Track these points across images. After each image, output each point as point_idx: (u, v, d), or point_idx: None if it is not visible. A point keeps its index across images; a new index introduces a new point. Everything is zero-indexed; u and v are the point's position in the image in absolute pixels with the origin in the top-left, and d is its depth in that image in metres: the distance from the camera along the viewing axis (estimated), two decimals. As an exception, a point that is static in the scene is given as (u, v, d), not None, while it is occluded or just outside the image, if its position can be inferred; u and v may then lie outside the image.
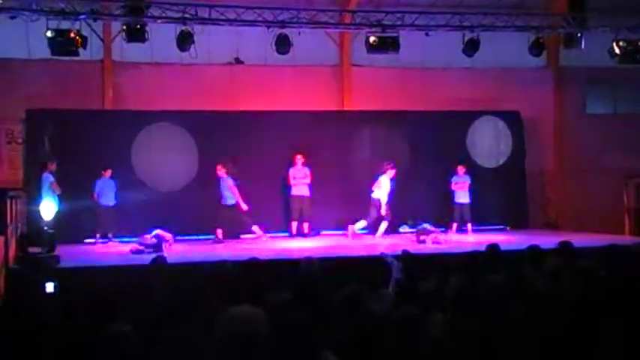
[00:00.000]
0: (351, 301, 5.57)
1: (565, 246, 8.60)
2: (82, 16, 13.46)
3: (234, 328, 3.14)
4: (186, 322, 4.48)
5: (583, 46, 15.71)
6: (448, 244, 13.61)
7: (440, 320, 4.85)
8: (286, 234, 15.30)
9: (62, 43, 13.41)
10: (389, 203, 14.27)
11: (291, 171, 15.34)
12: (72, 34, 13.38)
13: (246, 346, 3.11)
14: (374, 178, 14.51)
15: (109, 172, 14.26)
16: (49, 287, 7.66)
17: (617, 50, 15.49)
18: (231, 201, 14.22)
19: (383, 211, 14.20)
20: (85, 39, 13.71)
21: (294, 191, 15.31)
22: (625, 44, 15.46)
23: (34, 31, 14.04)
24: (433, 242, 13.51)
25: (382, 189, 14.40)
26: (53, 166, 12.29)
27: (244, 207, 14.10)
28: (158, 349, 3.80)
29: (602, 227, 14.62)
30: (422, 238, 13.74)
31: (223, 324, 3.17)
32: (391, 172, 14.44)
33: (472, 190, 15.49)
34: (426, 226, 13.97)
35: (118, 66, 15.97)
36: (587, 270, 6.56)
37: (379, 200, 14.28)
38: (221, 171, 14.31)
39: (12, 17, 13.14)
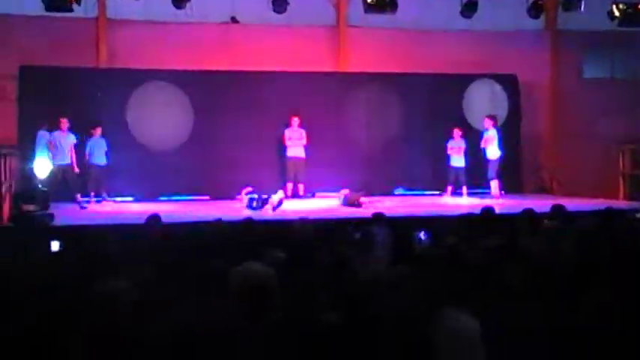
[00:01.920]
0: (343, 263, 5.61)
1: (558, 209, 8.66)
2: (76, -28, 13.29)
3: (250, 282, 3.28)
4: (185, 278, 4.51)
5: (582, 8, 15.60)
6: (444, 207, 13.63)
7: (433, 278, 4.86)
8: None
9: (56, -1, 13.27)
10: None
11: (287, 132, 15.29)
12: (66, -10, 13.22)
13: (261, 297, 3.24)
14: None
15: (98, 131, 14.13)
16: (55, 246, 7.65)
17: (616, 12, 15.39)
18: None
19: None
20: (79, -5, 13.55)
21: (290, 152, 15.28)
22: (624, 6, 15.36)
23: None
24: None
25: (494, 145, 14.50)
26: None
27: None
28: (158, 305, 3.84)
29: (597, 192, 14.66)
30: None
31: (239, 278, 3.31)
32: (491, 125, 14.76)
33: (467, 154, 15.46)
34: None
35: (113, 23, 15.78)
36: (583, 232, 6.59)
37: (496, 159, 14.56)
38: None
39: (5, -28, 12.96)
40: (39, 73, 14.51)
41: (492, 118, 15.29)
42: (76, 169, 13.63)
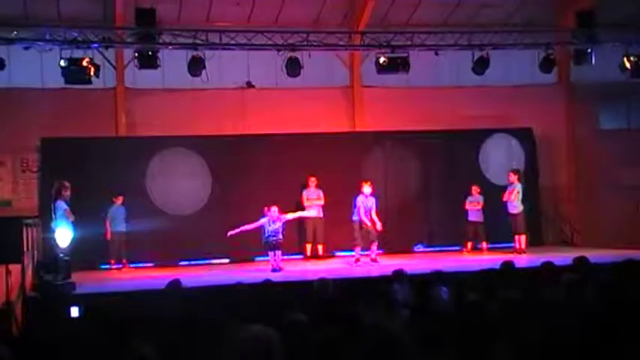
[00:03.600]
0: (363, 321, 5.58)
1: (581, 262, 8.55)
2: (95, 45, 13.62)
3: (248, 347, 3.19)
4: (202, 343, 4.50)
5: (594, 61, 15.71)
6: (464, 262, 13.56)
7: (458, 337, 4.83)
8: (300, 256, 15.29)
9: (76, 72, 13.56)
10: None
11: (305, 193, 15.37)
12: (85, 63, 13.54)
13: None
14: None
15: (120, 199, 14.41)
16: (74, 312, 7.69)
17: (627, 65, 15.48)
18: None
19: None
20: (97, 67, 13.86)
21: (308, 213, 15.32)
22: (635, 59, 15.45)
23: (47, 60, 14.20)
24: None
25: (518, 200, 14.65)
26: (67, 193, 12.39)
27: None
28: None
29: (619, 243, 14.50)
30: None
31: (237, 343, 3.23)
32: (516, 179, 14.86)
33: (486, 209, 15.39)
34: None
35: (131, 93, 16.10)
36: (604, 284, 6.51)
37: (520, 212, 14.66)
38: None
39: (26, 48, 13.31)
40: (59, 145, 14.76)
41: (517, 172, 15.28)
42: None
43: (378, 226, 13.75)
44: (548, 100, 17.89)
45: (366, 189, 13.89)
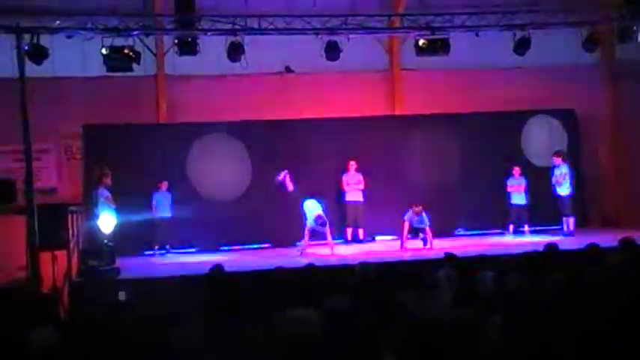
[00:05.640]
0: (406, 306, 5.56)
1: (627, 243, 8.41)
2: (135, 33, 13.72)
3: (291, 330, 3.21)
4: (245, 327, 4.54)
5: (639, 39, 15.35)
6: (507, 245, 13.46)
7: (499, 323, 4.80)
8: (342, 240, 15.30)
9: (117, 60, 13.66)
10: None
11: (345, 177, 15.37)
12: (126, 51, 13.64)
13: (302, 346, 3.17)
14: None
15: (165, 185, 14.58)
16: (122, 296, 7.85)
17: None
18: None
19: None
20: (138, 55, 13.95)
21: (349, 197, 15.35)
22: (682, 36, 15.06)
23: (89, 49, 14.36)
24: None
25: (567, 181, 14.55)
26: (108, 180, 12.57)
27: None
28: (219, 352, 3.88)
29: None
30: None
31: (280, 326, 3.25)
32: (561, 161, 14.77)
33: (528, 192, 15.27)
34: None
35: (171, 79, 16.22)
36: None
37: (568, 195, 14.59)
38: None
39: (68, 37, 13.46)
40: (102, 132, 14.95)
41: (561, 154, 15.13)
42: None
43: None
44: (592, 80, 17.57)
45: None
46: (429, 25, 14.73)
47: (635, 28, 15.28)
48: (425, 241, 13.81)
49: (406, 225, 13.71)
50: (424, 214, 13.76)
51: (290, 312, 3.32)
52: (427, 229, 13.77)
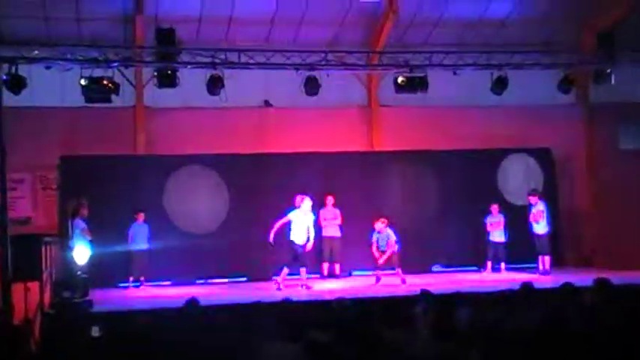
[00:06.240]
0: (383, 341, 5.53)
1: (602, 283, 8.44)
2: (115, 64, 13.72)
3: None
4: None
5: (613, 81, 15.63)
6: (484, 282, 13.46)
7: (477, 358, 4.79)
8: (318, 275, 15.23)
9: (96, 91, 13.66)
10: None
11: (322, 212, 15.36)
12: (105, 82, 13.64)
13: None
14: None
15: (142, 216, 14.45)
16: (95, 331, 7.71)
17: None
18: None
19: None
20: (117, 86, 13.96)
21: (325, 232, 15.31)
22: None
23: (68, 80, 14.31)
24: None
25: (544, 220, 14.70)
26: (85, 211, 12.47)
27: None
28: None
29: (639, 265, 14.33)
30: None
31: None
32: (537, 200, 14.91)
33: (507, 229, 15.34)
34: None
35: (150, 111, 16.21)
36: (627, 307, 6.43)
37: (545, 233, 14.71)
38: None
39: (47, 67, 13.41)
40: (79, 163, 14.84)
41: (536, 193, 15.29)
42: None
43: None
44: (567, 120, 17.82)
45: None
46: (408, 63, 14.89)
47: (609, 70, 15.58)
48: (404, 281, 13.74)
49: (374, 246, 13.83)
50: (389, 230, 13.79)
51: (269, 345, 3.29)
52: (396, 255, 13.80)
